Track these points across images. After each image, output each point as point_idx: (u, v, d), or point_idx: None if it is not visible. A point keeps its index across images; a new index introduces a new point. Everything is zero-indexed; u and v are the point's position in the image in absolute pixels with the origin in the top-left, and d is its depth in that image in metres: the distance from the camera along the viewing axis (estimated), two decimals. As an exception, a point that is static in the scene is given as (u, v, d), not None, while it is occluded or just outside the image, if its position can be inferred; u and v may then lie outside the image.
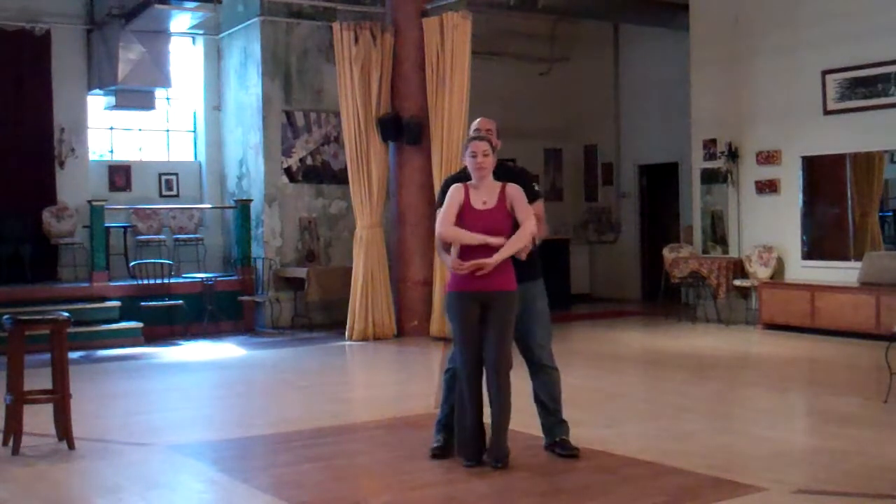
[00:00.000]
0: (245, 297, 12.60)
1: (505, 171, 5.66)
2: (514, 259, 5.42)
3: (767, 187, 12.23)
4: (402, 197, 11.83)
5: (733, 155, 12.50)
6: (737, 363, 10.01)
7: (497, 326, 5.36)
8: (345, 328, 11.69)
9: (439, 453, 5.65)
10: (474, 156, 5.44)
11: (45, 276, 12.23)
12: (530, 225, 5.39)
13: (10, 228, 11.89)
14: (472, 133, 5.75)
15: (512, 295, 5.41)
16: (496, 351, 5.34)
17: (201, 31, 13.77)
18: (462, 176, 5.68)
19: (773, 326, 11.62)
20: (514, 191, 5.46)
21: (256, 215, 13.02)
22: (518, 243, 5.35)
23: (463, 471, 5.38)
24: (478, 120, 5.81)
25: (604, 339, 11.60)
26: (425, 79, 11.59)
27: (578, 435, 6.00)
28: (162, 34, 12.47)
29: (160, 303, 11.81)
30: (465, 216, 5.41)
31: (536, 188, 5.78)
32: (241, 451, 6.17)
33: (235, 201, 13.15)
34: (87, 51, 12.92)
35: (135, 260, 12.48)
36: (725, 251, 12.74)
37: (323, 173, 13.35)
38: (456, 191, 5.47)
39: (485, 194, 5.44)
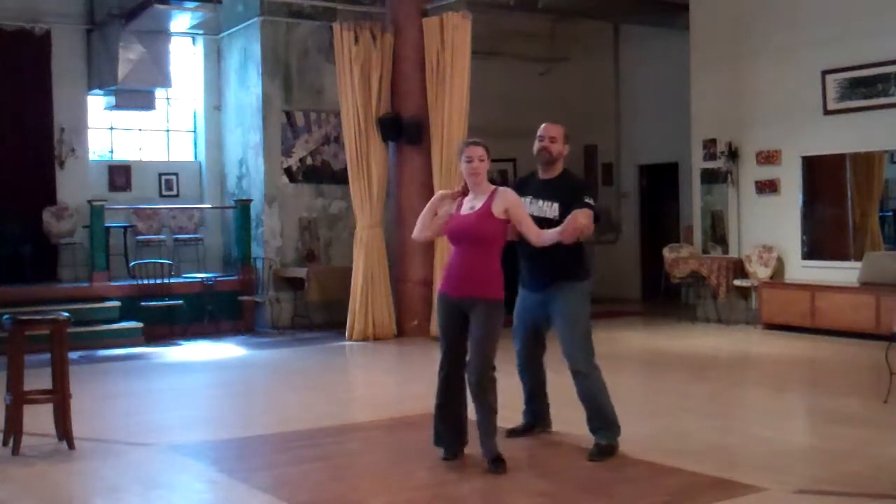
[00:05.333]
0: (245, 297, 12.60)
1: (565, 180, 5.75)
2: (549, 257, 5.49)
3: (767, 187, 12.23)
4: (402, 197, 11.82)
5: (733, 155, 12.49)
6: (737, 363, 10.01)
7: (476, 333, 5.33)
8: (345, 328, 11.69)
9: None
10: (470, 161, 5.40)
11: (45, 276, 12.23)
12: (535, 234, 5.37)
13: (10, 228, 11.88)
14: (538, 137, 5.76)
15: (493, 304, 5.34)
16: (473, 356, 5.33)
17: (201, 31, 13.77)
18: (529, 177, 5.92)
19: (773, 326, 11.61)
20: (508, 196, 5.41)
21: (256, 215, 13.02)
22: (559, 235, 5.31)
23: (463, 470, 5.39)
24: (542, 126, 5.76)
25: (604, 339, 11.50)
26: (425, 79, 11.58)
27: (578, 435, 6.00)
28: (162, 34, 12.48)
29: (160, 303, 11.81)
30: (450, 219, 5.50)
31: (587, 200, 5.50)
32: (241, 451, 6.17)
33: (235, 201, 13.14)
34: (87, 51, 12.92)
35: (135, 260, 12.47)
36: (725, 251, 12.73)
37: (323, 173, 13.34)
38: (439, 196, 5.62)
39: (475, 199, 5.44)
